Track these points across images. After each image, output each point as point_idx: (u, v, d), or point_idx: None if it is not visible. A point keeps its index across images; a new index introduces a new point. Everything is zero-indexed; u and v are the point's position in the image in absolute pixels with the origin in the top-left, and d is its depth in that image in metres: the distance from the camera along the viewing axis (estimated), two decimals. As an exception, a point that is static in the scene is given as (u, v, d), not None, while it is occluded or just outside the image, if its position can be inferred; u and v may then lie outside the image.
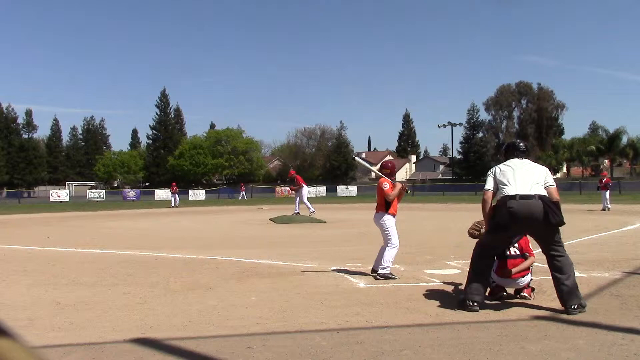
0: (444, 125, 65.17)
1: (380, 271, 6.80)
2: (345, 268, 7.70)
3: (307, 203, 18.86)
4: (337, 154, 73.84)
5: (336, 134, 78.40)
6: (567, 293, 4.88)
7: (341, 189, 54.80)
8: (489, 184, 5.32)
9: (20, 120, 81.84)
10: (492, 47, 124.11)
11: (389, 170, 7.32)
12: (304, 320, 4.77)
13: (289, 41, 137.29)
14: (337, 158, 73.25)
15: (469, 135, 74.14)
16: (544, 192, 5.01)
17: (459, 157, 74.42)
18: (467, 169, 72.00)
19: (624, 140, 64.80)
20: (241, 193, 49.74)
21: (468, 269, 5.36)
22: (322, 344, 4.04)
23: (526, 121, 71.48)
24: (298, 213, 18.93)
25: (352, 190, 54.61)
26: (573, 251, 9.17)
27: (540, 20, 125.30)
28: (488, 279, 5.28)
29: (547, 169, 5.46)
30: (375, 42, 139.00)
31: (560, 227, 5.02)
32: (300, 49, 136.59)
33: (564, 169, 76.37)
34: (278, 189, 55.04)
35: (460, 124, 69.29)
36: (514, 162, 5.31)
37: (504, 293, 5.52)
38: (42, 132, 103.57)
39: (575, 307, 4.84)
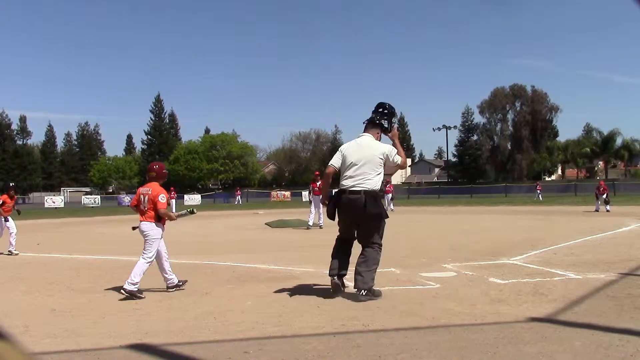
0: (439, 129, 65.40)
1: (127, 287, 6.13)
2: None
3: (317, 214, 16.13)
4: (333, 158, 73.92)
5: (331, 137, 78.49)
6: (358, 280, 5.64)
7: (337, 193, 54.65)
8: (335, 161, 6.09)
9: (14, 127, 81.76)
10: (486, 51, 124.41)
11: (155, 173, 6.71)
12: (300, 325, 4.76)
13: (284, 45, 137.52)
14: (332, 162, 73.28)
15: (463, 138, 74.43)
16: (369, 186, 5.63)
17: (454, 160, 74.64)
18: (462, 172, 72.27)
19: (619, 141, 65.15)
20: (237, 197, 49.63)
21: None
22: (318, 348, 4.03)
23: (520, 124, 71.61)
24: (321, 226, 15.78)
25: (348, 194, 54.47)
26: (569, 253, 9.25)
27: (535, 23, 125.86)
28: (344, 260, 6.03)
29: (389, 146, 5.85)
30: (369, 46, 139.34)
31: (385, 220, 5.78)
32: (294, 53, 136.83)
33: (559, 171, 76.70)
34: (274, 193, 54.94)
35: (455, 127, 69.58)
36: (355, 145, 5.90)
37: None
38: (37, 138, 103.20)
39: (365, 293, 5.54)
